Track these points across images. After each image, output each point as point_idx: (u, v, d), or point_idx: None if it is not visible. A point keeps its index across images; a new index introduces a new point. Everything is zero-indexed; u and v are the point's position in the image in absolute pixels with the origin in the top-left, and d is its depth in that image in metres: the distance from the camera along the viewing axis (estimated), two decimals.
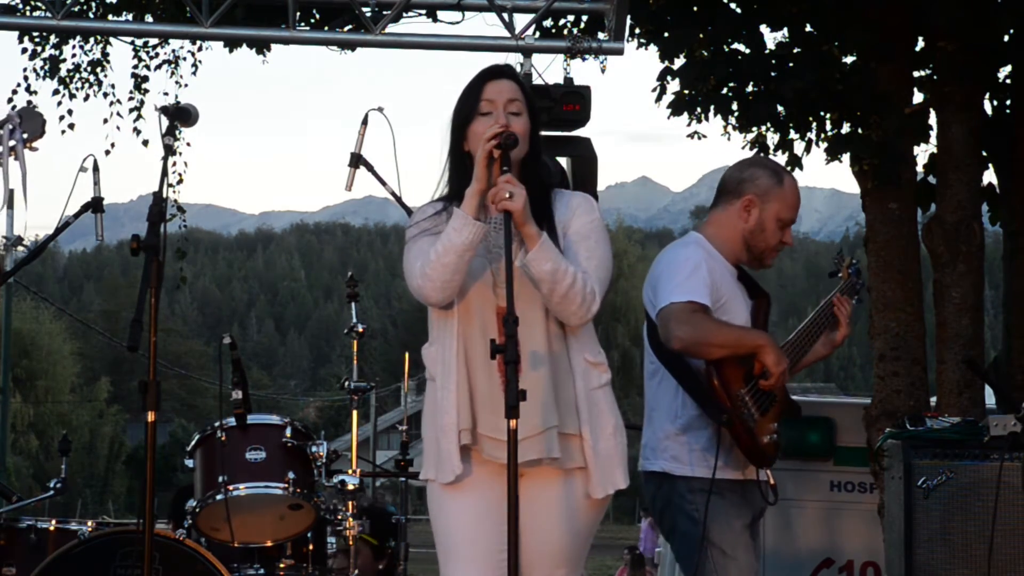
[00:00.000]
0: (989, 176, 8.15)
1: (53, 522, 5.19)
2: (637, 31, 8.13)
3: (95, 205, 4.85)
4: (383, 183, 5.40)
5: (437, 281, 3.49)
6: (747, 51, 7.60)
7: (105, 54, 9.95)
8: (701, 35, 7.57)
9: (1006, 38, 7.70)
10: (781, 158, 8.16)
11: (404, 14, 6.99)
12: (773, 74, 7.55)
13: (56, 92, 9.88)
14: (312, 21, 8.21)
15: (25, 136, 3.47)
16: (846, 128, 7.69)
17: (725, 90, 7.64)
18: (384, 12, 6.32)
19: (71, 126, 9.98)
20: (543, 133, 5.74)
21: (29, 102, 9.81)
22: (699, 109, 7.82)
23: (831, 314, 4.33)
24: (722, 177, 4.29)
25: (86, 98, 9.97)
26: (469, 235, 3.43)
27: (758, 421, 3.99)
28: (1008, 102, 8.20)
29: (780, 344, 4.21)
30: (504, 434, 3.43)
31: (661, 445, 4.08)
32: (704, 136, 8.35)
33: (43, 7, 6.52)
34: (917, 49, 7.94)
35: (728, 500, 4.03)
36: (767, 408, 4.04)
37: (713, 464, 3.97)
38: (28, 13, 8.52)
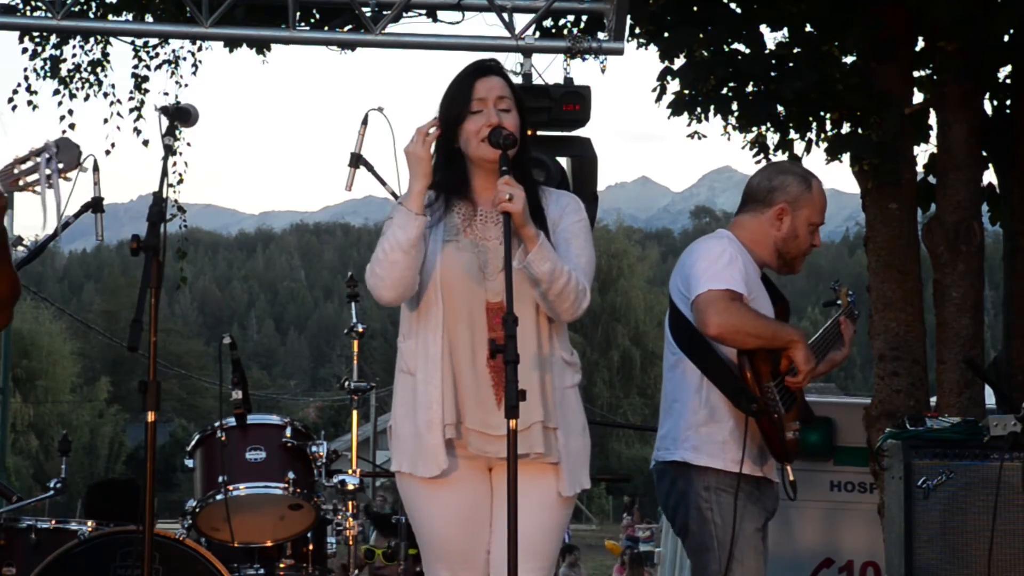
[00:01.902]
0: (989, 176, 8.17)
1: (53, 522, 5.18)
2: (637, 31, 8.13)
3: (95, 205, 4.85)
4: (383, 183, 5.40)
5: (388, 279, 3.52)
6: (747, 51, 7.60)
7: (105, 54, 9.95)
8: (701, 35, 7.57)
9: (1006, 38, 7.70)
10: (781, 158, 8.17)
11: (404, 14, 6.99)
12: (773, 74, 7.56)
13: (56, 92, 9.88)
14: (312, 21, 8.21)
15: (61, 166, 3.51)
16: (846, 128, 7.70)
17: (725, 90, 7.65)
18: (384, 12, 6.31)
19: (71, 126, 9.99)
20: (543, 133, 5.79)
21: (29, 102, 9.83)
22: (699, 109, 7.82)
23: (837, 333, 4.38)
24: (749, 182, 4.32)
25: (86, 98, 9.97)
26: (414, 231, 3.47)
27: (783, 416, 4.02)
28: (1008, 102, 8.21)
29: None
30: (492, 428, 3.51)
31: (683, 435, 4.09)
32: (704, 136, 8.36)
33: (43, 7, 6.51)
34: (917, 49, 7.95)
35: (742, 501, 4.03)
36: (790, 406, 4.07)
37: (739, 457, 3.98)
38: (28, 13, 8.51)
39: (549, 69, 8.63)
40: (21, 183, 3.54)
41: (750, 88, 7.66)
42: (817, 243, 4.29)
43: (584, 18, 8.20)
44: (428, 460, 3.54)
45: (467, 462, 3.57)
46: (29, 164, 3.55)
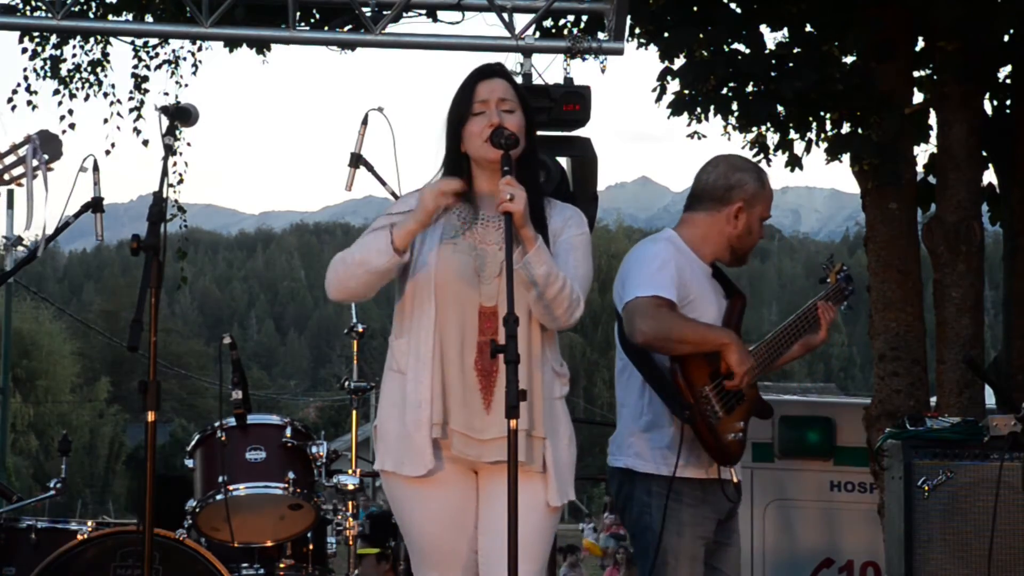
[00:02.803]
0: (989, 176, 8.17)
1: (53, 522, 5.19)
2: (637, 31, 8.13)
3: (95, 205, 4.85)
4: (383, 183, 5.40)
5: (341, 283, 3.56)
6: (747, 51, 7.60)
7: (105, 54, 9.95)
8: (701, 35, 7.57)
9: (1006, 38, 7.70)
10: (781, 158, 8.18)
11: (404, 14, 6.99)
12: (773, 74, 7.55)
13: (56, 92, 9.89)
14: (312, 21, 8.22)
15: (46, 158, 3.57)
16: (846, 128, 7.70)
17: (725, 90, 7.65)
18: (384, 12, 6.31)
19: (71, 126, 9.99)
20: (543, 133, 5.78)
21: (29, 102, 9.83)
22: (699, 109, 7.82)
23: (814, 318, 4.31)
24: (703, 179, 4.25)
25: (86, 98, 9.98)
26: (386, 264, 3.49)
27: (722, 419, 3.98)
28: (1008, 102, 8.21)
29: (757, 343, 4.20)
30: (475, 432, 3.51)
31: (626, 442, 4.10)
32: (704, 136, 8.35)
33: (43, 7, 6.51)
34: (917, 49, 7.95)
35: (686, 505, 4.01)
36: (733, 407, 4.02)
37: (681, 462, 3.97)
38: (28, 13, 8.51)
39: (549, 69, 8.61)
40: (7, 177, 3.59)
41: (750, 88, 7.66)
42: (762, 235, 4.26)
43: (584, 18, 8.20)
44: (415, 459, 3.53)
45: (452, 463, 3.57)
46: (12, 159, 3.60)
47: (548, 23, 8.28)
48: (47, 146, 3.63)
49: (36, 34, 9.43)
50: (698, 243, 4.16)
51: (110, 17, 8.67)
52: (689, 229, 4.19)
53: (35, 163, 3.57)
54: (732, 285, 4.26)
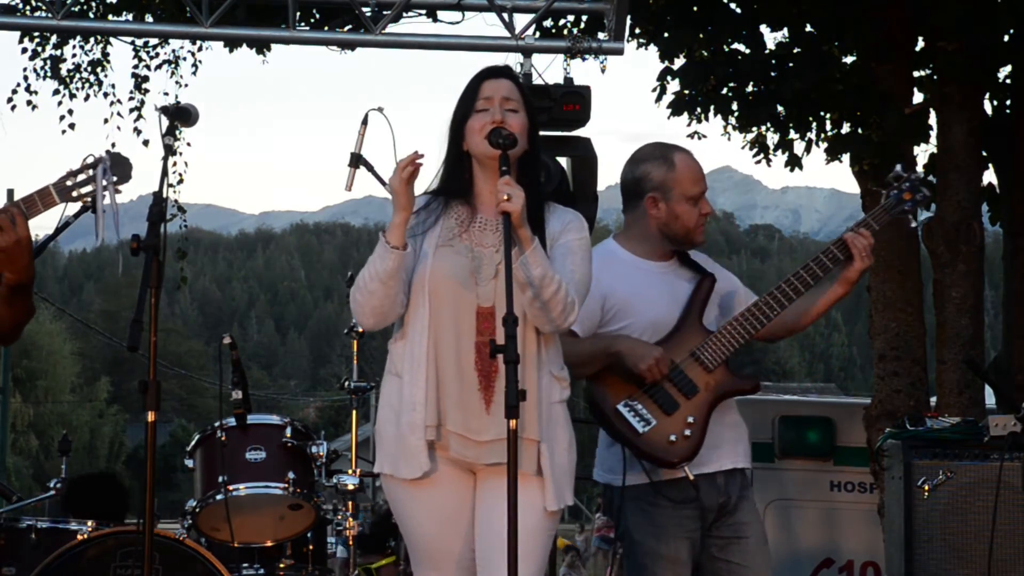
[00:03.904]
0: (989, 176, 8.18)
1: (53, 522, 5.19)
2: (637, 31, 8.13)
3: (95, 205, 4.86)
4: (383, 183, 5.40)
5: (366, 307, 3.54)
6: (747, 51, 7.61)
7: (105, 54, 9.96)
8: (701, 35, 7.58)
9: (1006, 38, 7.71)
10: (781, 158, 8.18)
11: (404, 14, 6.99)
12: (773, 74, 7.56)
13: (56, 92, 9.90)
14: (312, 21, 8.22)
15: (115, 179, 3.67)
16: (846, 128, 7.71)
17: (725, 90, 7.66)
18: (384, 12, 6.31)
19: (71, 126, 10.00)
20: (543, 133, 5.78)
21: (29, 102, 9.84)
22: (699, 109, 7.83)
23: (834, 257, 4.08)
24: (621, 179, 4.22)
25: (86, 98, 9.99)
26: (391, 263, 3.46)
27: (656, 424, 3.96)
28: (1008, 102, 8.22)
29: (759, 297, 4.10)
30: (474, 433, 3.50)
31: (601, 456, 4.16)
32: (704, 136, 8.35)
33: (43, 7, 6.52)
34: (917, 49, 7.96)
35: (664, 508, 4.02)
36: (675, 405, 3.97)
37: (648, 467, 3.99)
38: (28, 13, 8.52)
39: (549, 69, 8.62)
40: (75, 195, 3.72)
41: (750, 88, 7.67)
42: (706, 211, 4.14)
43: (584, 18, 8.20)
44: (410, 462, 3.53)
45: (449, 464, 3.56)
46: (82, 177, 3.71)
47: (548, 23, 8.29)
48: (117, 168, 3.74)
49: (36, 34, 9.44)
50: (637, 243, 4.15)
51: (110, 17, 8.68)
52: (626, 231, 4.20)
53: (104, 183, 3.68)
54: (698, 267, 4.20)
